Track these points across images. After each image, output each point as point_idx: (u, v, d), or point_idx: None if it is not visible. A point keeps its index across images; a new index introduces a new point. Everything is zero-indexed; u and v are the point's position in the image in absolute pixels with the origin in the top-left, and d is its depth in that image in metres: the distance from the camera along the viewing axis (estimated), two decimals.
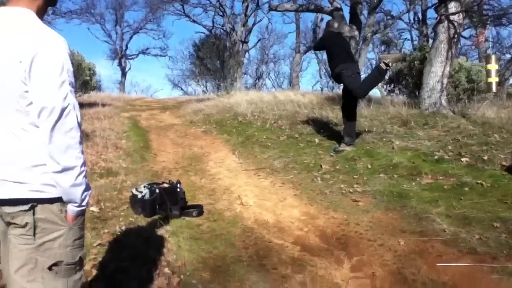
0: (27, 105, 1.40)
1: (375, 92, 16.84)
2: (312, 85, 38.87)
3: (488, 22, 8.57)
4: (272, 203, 4.28)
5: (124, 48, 35.04)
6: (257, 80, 35.65)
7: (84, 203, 1.52)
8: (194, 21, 27.71)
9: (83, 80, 12.41)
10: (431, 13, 25.03)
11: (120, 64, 34.93)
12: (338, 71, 5.78)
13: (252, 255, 3.12)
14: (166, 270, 2.85)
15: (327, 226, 3.68)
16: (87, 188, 1.52)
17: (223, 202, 4.35)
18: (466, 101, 9.21)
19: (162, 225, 3.68)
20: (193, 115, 10.31)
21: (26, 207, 1.44)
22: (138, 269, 2.83)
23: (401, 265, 2.90)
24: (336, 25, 6.35)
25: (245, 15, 27.65)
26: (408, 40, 29.09)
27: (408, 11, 21.82)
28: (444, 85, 7.97)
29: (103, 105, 13.98)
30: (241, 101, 10.97)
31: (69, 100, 1.41)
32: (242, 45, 25.45)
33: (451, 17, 7.80)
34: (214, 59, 13.05)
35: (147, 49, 37.05)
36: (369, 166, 5.10)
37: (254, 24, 30.14)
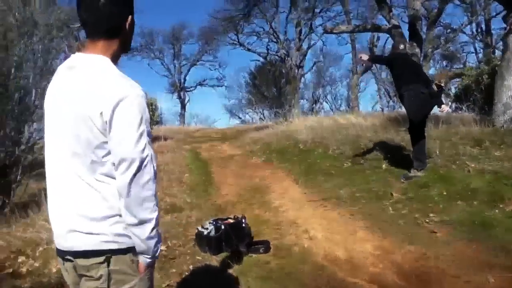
0: (103, 155, 1.37)
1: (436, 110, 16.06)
2: (371, 105, 37.99)
3: None
4: (342, 237, 4.06)
5: (182, 80, 36.31)
6: (314, 104, 35.42)
7: (156, 255, 1.48)
8: (248, 50, 28.27)
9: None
10: (495, 23, 23.91)
11: (179, 96, 36.10)
12: (402, 93, 5.59)
13: None
14: None
15: (404, 262, 3.42)
16: (160, 240, 1.48)
17: (290, 236, 4.19)
18: None
19: (230, 263, 3.58)
20: (253, 145, 10.30)
21: (101, 259, 1.40)
22: None
23: None
24: (402, 46, 6.15)
25: (299, 39, 27.77)
26: (472, 53, 27.84)
27: (470, 23, 20.90)
28: None
29: (165, 138, 14.40)
30: (301, 128, 10.83)
31: (147, 151, 1.37)
32: (298, 70, 25.51)
33: None
34: (271, 86, 13.09)
35: (204, 80, 38.01)
36: (445, 193, 4.76)
37: (308, 48, 30.10)
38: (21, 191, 5.94)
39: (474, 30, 26.02)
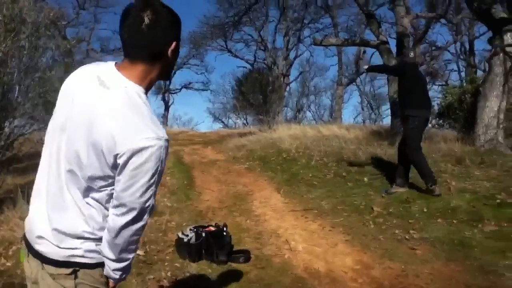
0: (102, 186, 1.32)
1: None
2: (353, 117, 38.49)
3: None
4: (323, 249, 4.05)
5: (167, 83, 36.03)
6: (297, 113, 35.67)
7: (122, 278, 1.46)
8: (236, 56, 28.36)
9: None
10: (478, 44, 24.48)
11: (163, 98, 35.93)
12: (409, 115, 5.45)
13: None
14: None
15: (383, 278, 3.42)
16: (129, 270, 1.47)
17: (270, 246, 4.16)
18: None
19: (209, 272, 3.53)
20: (236, 151, 10.25)
21: (68, 270, 1.35)
22: None
23: None
24: (412, 54, 6.00)
25: (287, 49, 27.99)
26: (455, 71, 28.35)
27: (454, 42, 21.27)
28: (501, 121, 7.56)
29: None
30: (284, 136, 10.83)
31: (150, 202, 1.31)
32: (284, 79, 25.63)
33: (507, 49, 7.46)
34: (257, 93, 13.07)
35: (190, 83, 38.04)
36: (425, 210, 4.80)
37: (295, 58, 30.43)
38: None
39: (458, 49, 26.52)
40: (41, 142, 1.64)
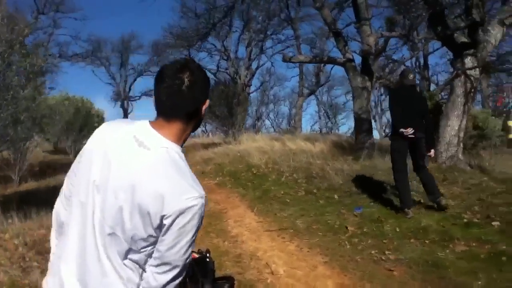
0: (143, 247, 1.31)
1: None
2: (310, 125, 39.23)
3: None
4: (303, 272, 4.12)
5: (127, 90, 35.52)
6: (256, 121, 36.03)
7: None
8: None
9: (92, 127, 12.43)
10: (432, 59, 25.54)
11: (122, 105, 35.27)
12: (419, 137, 5.42)
13: None
14: None
15: None
16: None
17: (252, 271, 4.19)
18: (481, 154, 9.18)
19: None
20: (204, 165, 10.23)
21: None
22: None
23: None
24: (411, 76, 5.80)
25: (249, 59, 28.23)
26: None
27: (411, 57, 22.11)
28: (461, 139, 7.95)
29: None
30: (251, 149, 10.92)
31: (190, 257, 1.37)
32: (245, 88, 25.80)
33: (468, 72, 7.86)
34: (222, 106, 13.10)
35: (151, 90, 37.46)
36: (397, 230, 4.97)
37: (257, 68, 30.76)
38: None
39: (413, 62, 27.59)
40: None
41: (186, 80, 1.31)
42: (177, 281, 1.35)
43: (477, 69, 7.98)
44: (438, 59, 49.64)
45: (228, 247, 4.86)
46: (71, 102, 12.38)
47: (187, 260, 1.35)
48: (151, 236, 1.29)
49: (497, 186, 6.24)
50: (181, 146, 1.39)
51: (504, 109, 10.26)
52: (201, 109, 1.39)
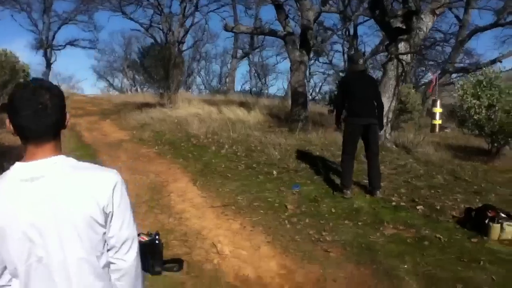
0: (103, 247, 1.41)
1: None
2: (241, 84, 39.38)
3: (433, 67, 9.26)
4: (248, 253, 4.35)
5: (50, 38, 33.03)
6: (188, 77, 35.47)
7: None
8: (130, 19, 26.90)
9: (17, 82, 11.61)
10: (361, 30, 26.25)
11: (45, 54, 32.88)
12: (365, 124, 5.65)
13: None
14: None
15: (306, 283, 3.84)
16: None
17: (199, 250, 4.35)
18: (404, 132, 9.90)
19: (146, 285, 3.62)
20: (141, 131, 10.05)
21: None
22: None
23: None
24: (361, 61, 5.98)
25: (183, 15, 27.32)
26: (339, 52, 30.22)
27: (343, 28, 22.65)
28: (389, 119, 8.51)
29: None
30: (188, 116, 10.89)
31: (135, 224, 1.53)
32: (179, 46, 25.11)
33: (400, 56, 8.34)
34: (159, 68, 12.78)
35: (76, 40, 35.31)
36: (333, 210, 5.35)
37: (191, 26, 29.88)
38: None
39: (342, 32, 28.27)
40: None
41: (47, 101, 1.32)
42: (139, 254, 1.50)
43: (409, 54, 8.50)
44: (367, 28, 51.08)
45: (174, 225, 4.97)
46: None
47: (136, 231, 1.50)
48: (104, 234, 1.40)
49: (420, 168, 6.87)
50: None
51: (432, 97, 11.04)
52: (66, 123, 1.44)
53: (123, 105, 15.69)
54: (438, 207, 5.25)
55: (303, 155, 7.61)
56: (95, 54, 45.91)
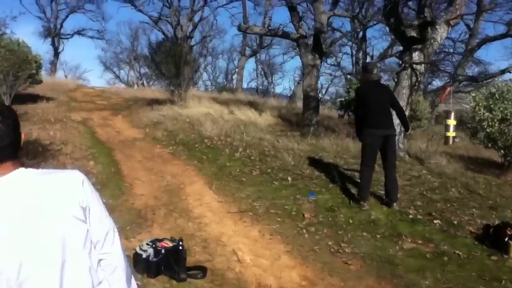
0: (92, 241, 1.47)
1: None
2: (247, 82, 39.33)
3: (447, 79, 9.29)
4: (268, 262, 4.39)
5: (58, 27, 33.07)
6: (194, 73, 35.45)
7: None
8: (140, 11, 26.94)
9: (29, 73, 11.62)
10: (369, 32, 26.20)
11: (53, 43, 32.91)
12: (385, 134, 5.67)
13: None
14: None
15: None
16: None
17: (220, 258, 4.39)
18: (416, 141, 9.93)
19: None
20: (154, 129, 10.07)
21: None
22: None
23: None
24: (375, 71, 5.92)
25: (192, 10, 27.33)
26: (347, 54, 30.20)
27: (354, 32, 22.64)
28: (403, 129, 8.52)
29: (48, 99, 13.27)
30: (200, 116, 10.93)
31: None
32: (186, 40, 25.13)
33: (414, 66, 8.36)
34: (170, 64, 12.80)
35: (83, 30, 35.34)
36: (350, 221, 5.38)
37: (200, 20, 29.91)
38: None
39: (351, 34, 28.23)
40: None
41: (1, 125, 1.36)
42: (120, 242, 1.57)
43: (423, 64, 8.51)
44: (376, 31, 50.97)
45: (193, 230, 5.01)
46: (5, 44, 11.43)
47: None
48: (87, 230, 1.44)
49: (435, 180, 6.89)
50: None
51: (446, 109, 11.06)
52: (21, 143, 1.47)
53: (133, 100, 15.71)
54: (455, 222, 5.28)
55: (316, 162, 7.64)
56: (102, 45, 45.89)
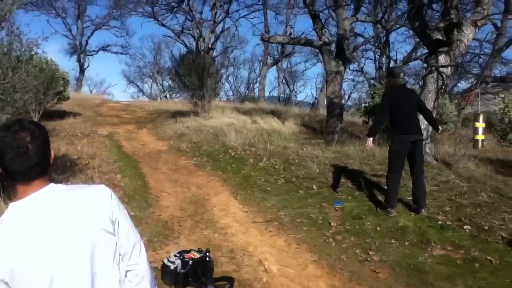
0: (118, 256, 1.52)
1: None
2: (269, 91, 39.43)
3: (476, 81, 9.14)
4: (295, 271, 4.37)
5: (84, 44, 33.97)
6: (216, 84, 35.78)
7: None
8: (163, 25, 27.44)
9: (57, 91, 11.95)
10: (392, 36, 25.92)
11: (79, 60, 33.82)
12: (416, 139, 5.64)
13: None
14: None
15: None
16: None
17: (246, 268, 4.39)
18: (443, 145, 9.74)
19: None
20: (178, 141, 10.20)
21: None
22: None
23: None
24: (402, 75, 5.88)
25: (214, 22, 27.67)
26: (370, 59, 29.94)
27: (377, 36, 22.45)
28: (429, 133, 8.38)
29: (74, 114, 13.58)
30: (223, 126, 11.01)
31: None
32: (208, 52, 25.42)
33: (440, 69, 8.22)
34: (193, 76, 12.95)
35: (108, 45, 36.22)
36: (378, 229, 5.30)
37: (222, 32, 30.26)
38: None
39: (374, 39, 27.98)
40: None
41: (27, 144, 1.38)
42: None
43: (449, 67, 8.36)
44: (398, 35, 50.44)
45: (219, 240, 5.03)
46: (34, 62, 11.77)
47: None
48: (116, 242, 1.50)
49: (463, 185, 6.73)
50: None
51: (472, 112, 10.85)
52: (51, 161, 1.51)
53: (157, 113, 15.95)
54: (486, 227, 5.14)
55: (342, 170, 7.57)
56: (126, 60, 46.93)
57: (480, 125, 7.23)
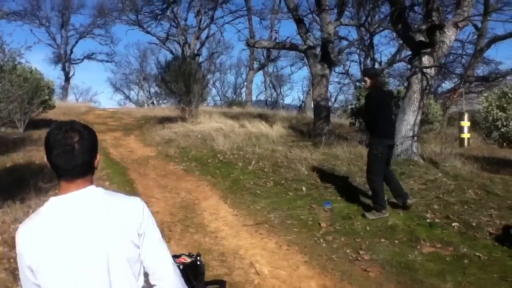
0: (139, 269, 1.54)
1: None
2: (256, 95, 39.54)
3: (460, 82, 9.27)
4: (287, 273, 4.38)
5: (68, 52, 33.77)
6: (203, 89, 35.76)
7: None
8: (148, 32, 27.38)
9: (42, 99, 11.86)
10: (376, 39, 26.17)
11: (63, 68, 33.58)
12: (393, 143, 5.91)
13: None
14: None
15: None
16: None
17: (238, 271, 4.39)
18: (429, 144, 9.85)
19: None
20: (166, 147, 10.16)
21: None
22: None
23: None
24: (382, 76, 6.03)
25: (199, 28, 27.72)
26: (355, 62, 30.18)
27: (361, 39, 22.67)
28: (415, 133, 8.48)
29: None
30: (211, 131, 11.00)
31: None
32: (194, 58, 25.42)
33: (424, 70, 8.33)
34: (180, 82, 12.94)
35: (93, 54, 36.03)
36: (367, 228, 5.35)
37: (207, 38, 30.30)
38: None
39: (358, 41, 28.23)
40: None
41: (74, 144, 1.45)
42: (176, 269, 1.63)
43: (433, 68, 8.48)
44: (383, 38, 51.03)
45: (210, 244, 5.02)
46: (18, 71, 11.67)
47: None
48: (139, 255, 1.53)
49: (450, 183, 6.81)
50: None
51: (457, 111, 11.02)
52: (96, 164, 1.56)
53: (144, 119, 15.89)
54: (474, 224, 5.21)
55: (330, 171, 7.62)
56: (111, 67, 46.78)
57: (465, 123, 7.34)
